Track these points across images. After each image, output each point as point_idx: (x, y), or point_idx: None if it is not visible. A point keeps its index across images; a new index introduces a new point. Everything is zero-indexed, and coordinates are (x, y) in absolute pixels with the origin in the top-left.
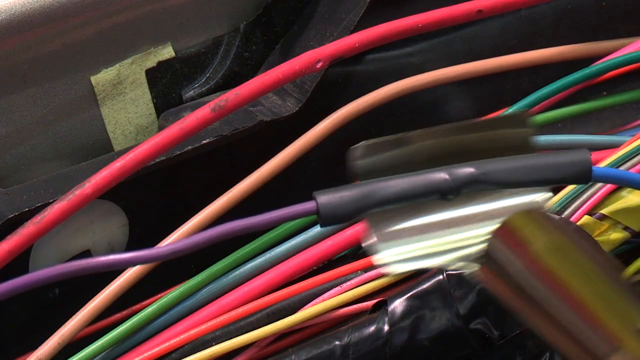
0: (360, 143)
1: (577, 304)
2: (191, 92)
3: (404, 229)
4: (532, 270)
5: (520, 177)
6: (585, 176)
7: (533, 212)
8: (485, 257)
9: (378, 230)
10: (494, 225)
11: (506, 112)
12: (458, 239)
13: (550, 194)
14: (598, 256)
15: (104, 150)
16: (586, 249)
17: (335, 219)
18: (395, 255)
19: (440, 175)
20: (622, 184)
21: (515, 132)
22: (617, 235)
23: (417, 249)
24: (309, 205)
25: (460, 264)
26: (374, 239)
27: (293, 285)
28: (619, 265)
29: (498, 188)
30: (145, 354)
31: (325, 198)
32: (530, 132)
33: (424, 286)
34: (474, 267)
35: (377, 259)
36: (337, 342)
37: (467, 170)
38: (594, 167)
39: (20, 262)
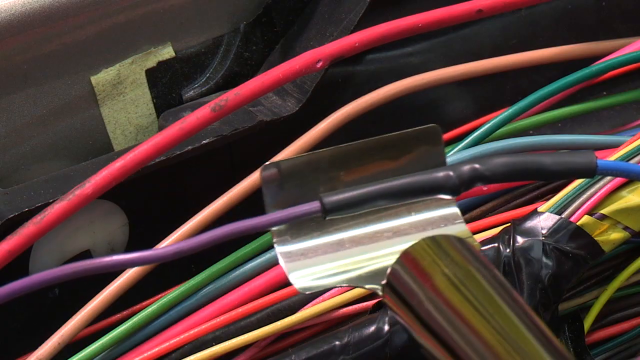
0: (270, 163)
1: (480, 342)
2: (191, 92)
3: (312, 247)
4: (433, 303)
5: (525, 172)
6: (590, 169)
7: (439, 239)
8: (387, 285)
9: (286, 248)
10: (403, 243)
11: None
12: (368, 257)
13: (457, 210)
14: (502, 289)
15: (104, 150)
16: (490, 282)
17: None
18: (305, 274)
19: (445, 173)
20: (627, 176)
21: (425, 149)
22: (617, 235)
23: (327, 268)
24: (313, 205)
25: (369, 284)
26: (282, 259)
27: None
28: (519, 298)
29: (501, 183)
30: (145, 354)
31: (330, 198)
32: (441, 149)
33: None
34: (380, 289)
35: (289, 277)
36: (337, 342)
37: (471, 166)
38: (598, 161)
39: (20, 262)
